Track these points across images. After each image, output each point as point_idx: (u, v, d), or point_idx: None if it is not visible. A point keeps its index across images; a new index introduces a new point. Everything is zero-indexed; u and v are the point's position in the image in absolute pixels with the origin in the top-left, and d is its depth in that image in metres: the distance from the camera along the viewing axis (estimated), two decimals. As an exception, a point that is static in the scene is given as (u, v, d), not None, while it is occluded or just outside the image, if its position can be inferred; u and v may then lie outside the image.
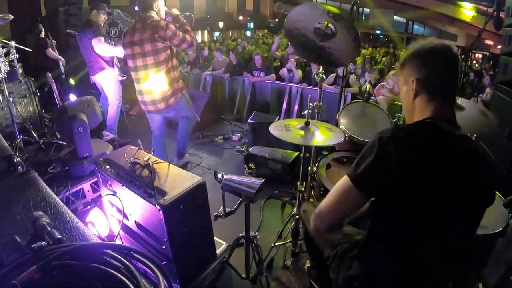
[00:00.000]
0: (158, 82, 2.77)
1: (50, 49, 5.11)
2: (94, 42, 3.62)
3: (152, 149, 3.54)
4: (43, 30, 5.28)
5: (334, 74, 5.28)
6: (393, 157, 0.98)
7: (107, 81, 3.91)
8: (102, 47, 3.63)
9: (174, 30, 2.67)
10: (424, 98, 1.10)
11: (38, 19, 6.09)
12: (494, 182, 1.10)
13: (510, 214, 1.74)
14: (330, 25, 1.98)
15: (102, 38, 3.65)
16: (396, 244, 1.08)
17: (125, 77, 4.01)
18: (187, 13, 2.89)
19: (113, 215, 2.04)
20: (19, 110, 3.11)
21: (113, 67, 3.86)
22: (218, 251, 2.07)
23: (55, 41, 5.41)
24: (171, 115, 3.10)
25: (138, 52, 2.70)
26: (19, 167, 1.33)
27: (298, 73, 5.58)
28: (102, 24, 3.86)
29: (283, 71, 5.72)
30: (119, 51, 3.68)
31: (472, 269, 1.81)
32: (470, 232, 1.13)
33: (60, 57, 5.19)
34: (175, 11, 2.89)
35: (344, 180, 1.10)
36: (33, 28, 5.29)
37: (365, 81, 5.28)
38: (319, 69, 2.27)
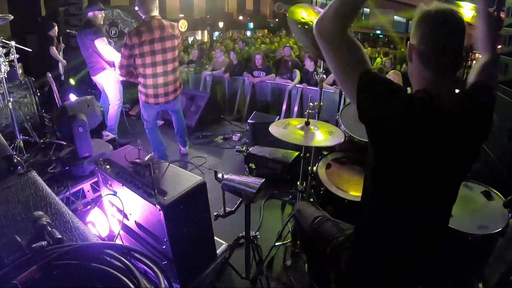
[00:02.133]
0: (173, 76, 3.16)
1: (54, 47, 5.10)
2: (97, 42, 3.62)
3: (152, 150, 3.56)
4: (55, 28, 5.26)
5: (334, 74, 5.27)
6: (390, 103, 0.98)
7: (108, 81, 3.91)
8: (106, 48, 3.66)
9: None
10: (418, 63, 1.05)
11: (38, 19, 6.10)
12: (485, 130, 1.08)
13: (510, 214, 1.74)
14: None
15: (105, 39, 3.66)
16: (389, 236, 1.10)
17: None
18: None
19: (113, 215, 2.04)
20: (19, 110, 3.11)
21: (114, 67, 3.87)
22: (218, 251, 2.08)
23: (64, 45, 5.38)
24: (171, 107, 3.40)
25: (159, 49, 2.95)
26: (19, 167, 1.33)
27: (297, 77, 5.53)
28: (102, 23, 3.85)
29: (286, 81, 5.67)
30: (119, 57, 3.70)
31: (471, 269, 1.81)
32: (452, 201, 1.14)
33: (61, 59, 5.18)
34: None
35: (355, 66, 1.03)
36: (46, 24, 5.27)
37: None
38: (318, 68, 2.27)
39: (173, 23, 3.07)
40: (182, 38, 3.22)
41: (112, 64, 3.85)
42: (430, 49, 1.01)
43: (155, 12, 2.96)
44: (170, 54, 3.04)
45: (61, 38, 5.35)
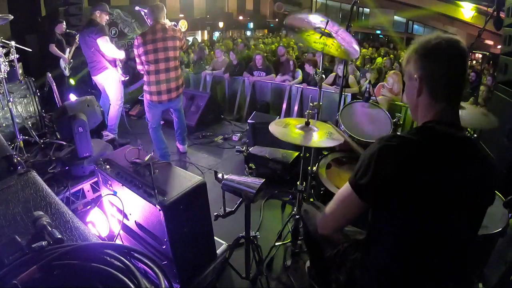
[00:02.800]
0: (175, 73, 3.34)
1: (53, 45, 5.04)
2: (100, 41, 3.62)
3: (153, 150, 3.56)
4: (62, 26, 5.19)
5: (333, 74, 5.28)
6: (391, 168, 0.98)
7: (109, 81, 3.88)
8: (108, 47, 3.67)
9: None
10: (428, 97, 1.05)
11: (38, 19, 6.09)
12: (494, 183, 1.08)
13: (510, 214, 1.74)
14: (327, 30, 2.02)
15: (107, 38, 3.68)
16: (398, 248, 1.08)
17: (127, 77, 4.01)
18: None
19: (113, 215, 2.04)
20: (19, 110, 3.11)
21: (116, 67, 3.85)
22: (218, 251, 2.07)
23: (77, 43, 5.18)
24: (173, 106, 3.53)
25: (161, 47, 3.17)
26: (19, 167, 1.33)
27: (299, 76, 5.55)
28: (105, 24, 3.84)
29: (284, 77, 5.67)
30: (121, 54, 3.86)
31: (471, 269, 1.81)
32: (472, 232, 1.12)
33: (63, 55, 5.10)
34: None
35: (346, 188, 1.10)
36: (52, 21, 5.25)
37: (365, 80, 5.28)
38: (317, 69, 2.27)
39: (176, 27, 3.34)
40: (184, 40, 3.43)
41: (114, 64, 3.84)
42: (445, 83, 1.02)
43: (162, 20, 3.24)
44: (172, 53, 3.23)
45: (77, 37, 5.21)
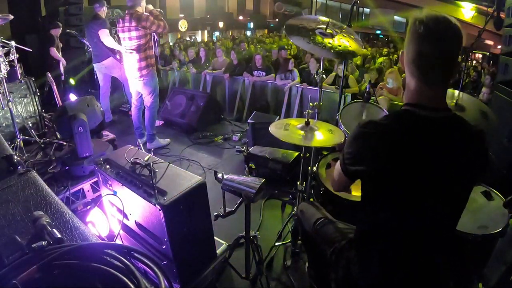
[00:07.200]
0: (137, 57, 3.63)
1: (54, 48, 5.18)
2: (100, 32, 4.25)
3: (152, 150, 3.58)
4: (59, 29, 5.42)
5: (333, 74, 5.28)
6: (365, 153, 1.04)
7: (113, 65, 4.57)
8: (107, 39, 4.28)
9: (152, 20, 3.53)
10: (409, 74, 1.05)
11: (38, 19, 6.09)
12: (483, 157, 1.05)
13: (510, 214, 1.74)
14: (329, 30, 2.02)
15: (107, 31, 4.30)
16: (389, 243, 1.08)
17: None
18: (159, 9, 3.89)
19: (113, 215, 2.04)
20: (19, 110, 3.11)
21: (115, 55, 4.51)
22: (218, 251, 2.08)
23: (61, 44, 5.53)
24: (141, 85, 3.77)
25: (127, 37, 3.55)
26: (19, 167, 1.33)
27: (297, 77, 5.55)
28: (105, 16, 4.49)
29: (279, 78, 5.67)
30: (119, 46, 4.28)
31: (471, 269, 1.81)
32: (456, 217, 1.11)
33: (62, 58, 5.25)
34: (150, 7, 3.75)
35: (338, 165, 1.20)
36: (49, 22, 5.40)
37: (365, 80, 5.27)
38: (318, 69, 2.27)
39: (144, 15, 3.48)
40: (152, 24, 3.52)
41: (115, 52, 4.49)
42: (418, 64, 1.02)
43: (138, 8, 3.48)
44: (135, 41, 3.52)
45: (57, 37, 5.37)
